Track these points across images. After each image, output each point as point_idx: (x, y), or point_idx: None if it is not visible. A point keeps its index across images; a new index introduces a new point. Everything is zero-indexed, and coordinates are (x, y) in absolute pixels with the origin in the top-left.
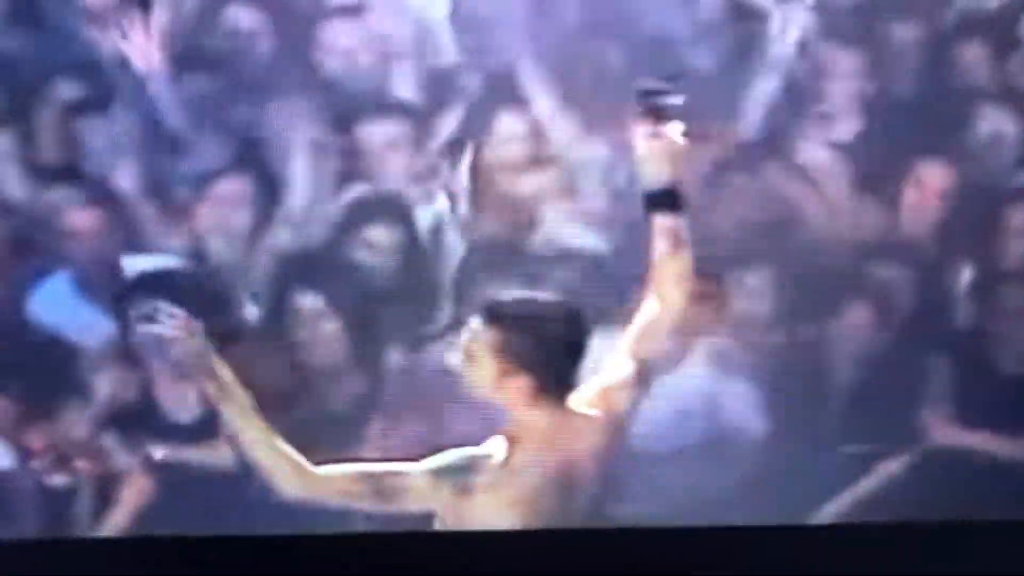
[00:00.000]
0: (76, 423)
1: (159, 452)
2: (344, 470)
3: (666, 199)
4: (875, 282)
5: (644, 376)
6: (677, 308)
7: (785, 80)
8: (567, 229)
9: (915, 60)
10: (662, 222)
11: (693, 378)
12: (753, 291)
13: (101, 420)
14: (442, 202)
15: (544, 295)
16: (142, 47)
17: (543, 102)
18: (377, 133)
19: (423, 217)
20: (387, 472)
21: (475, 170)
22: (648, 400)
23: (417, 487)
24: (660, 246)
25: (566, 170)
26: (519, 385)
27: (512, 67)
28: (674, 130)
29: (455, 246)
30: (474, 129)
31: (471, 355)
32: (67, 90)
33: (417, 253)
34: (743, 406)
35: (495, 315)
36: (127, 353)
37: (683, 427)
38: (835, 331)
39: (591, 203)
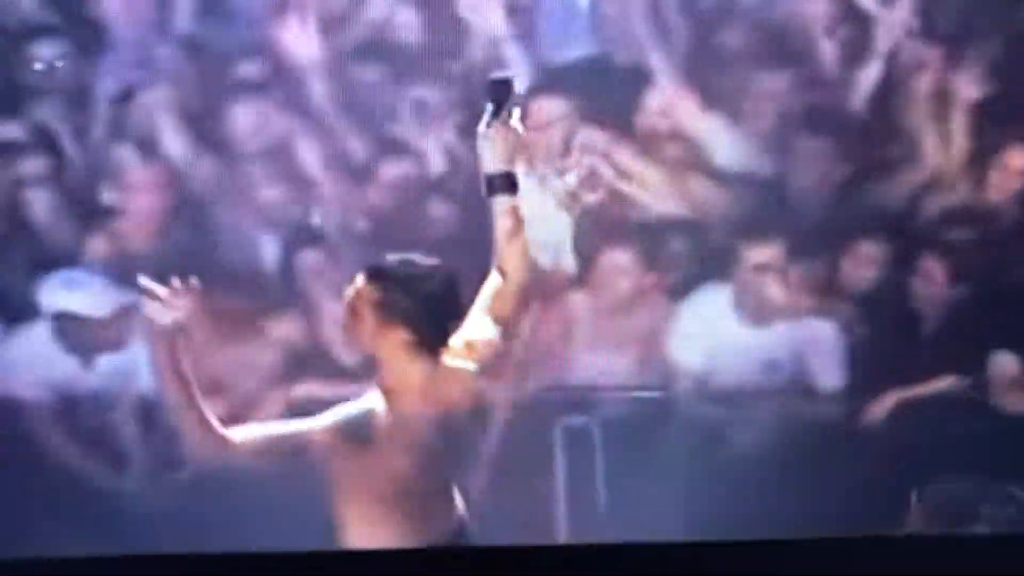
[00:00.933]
0: None
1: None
2: (253, 432)
3: (505, 182)
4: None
5: (509, 334)
6: (520, 278)
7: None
8: None
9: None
10: (503, 203)
11: (780, 333)
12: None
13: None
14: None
15: (424, 259)
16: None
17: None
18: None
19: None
20: (292, 431)
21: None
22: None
23: (321, 442)
24: (502, 225)
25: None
26: (396, 339)
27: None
28: (513, 118)
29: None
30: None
31: (353, 309)
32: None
33: None
34: (825, 358)
35: (376, 274)
36: None
37: (771, 375)
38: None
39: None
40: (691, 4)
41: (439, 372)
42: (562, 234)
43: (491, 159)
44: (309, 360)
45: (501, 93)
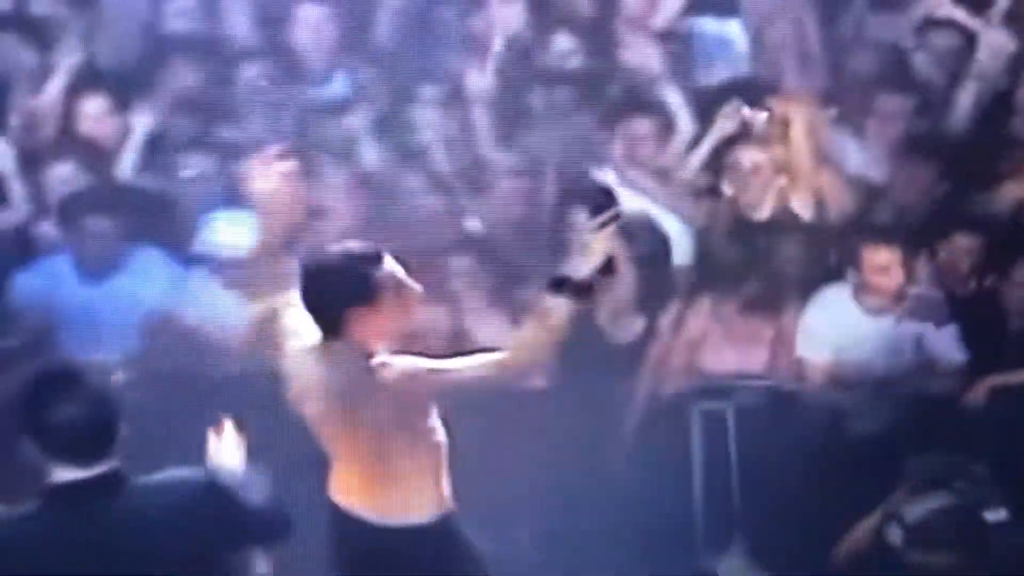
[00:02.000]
0: None
1: None
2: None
3: (577, 289)
4: None
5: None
6: (526, 359)
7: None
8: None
9: None
10: (556, 304)
11: (903, 321)
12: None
13: None
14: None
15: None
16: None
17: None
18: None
19: None
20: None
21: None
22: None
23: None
24: (532, 319)
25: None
26: None
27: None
28: (610, 235)
29: None
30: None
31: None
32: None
33: None
34: (945, 340)
35: None
36: None
37: (895, 359)
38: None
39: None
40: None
41: None
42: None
43: (578, 263)
44: None
45: (604, 201)
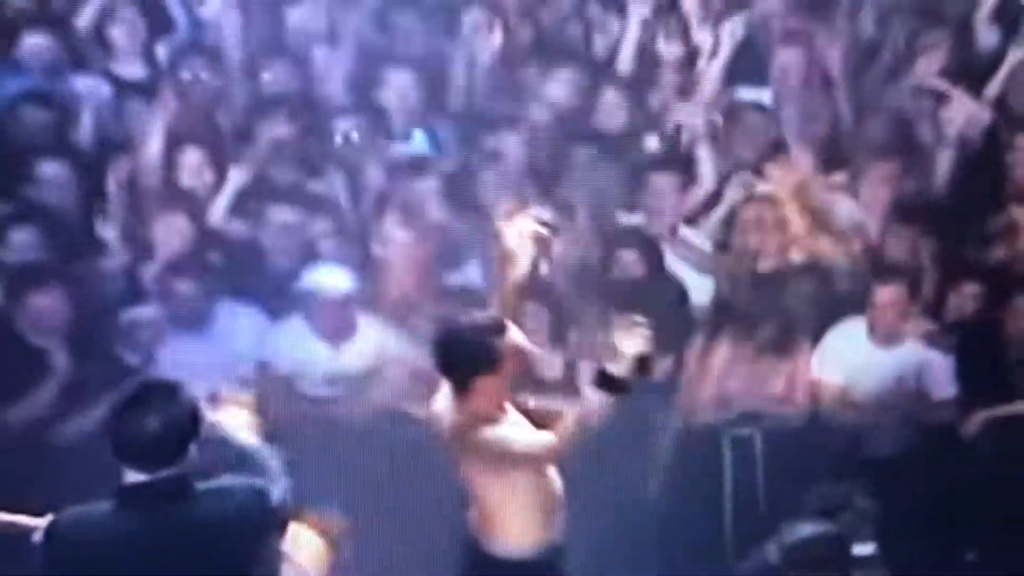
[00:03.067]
0: None
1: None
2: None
3: (616, 386)
4: None
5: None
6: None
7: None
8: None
9: None
10: (593, 398)
11: (908, 352)
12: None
13: None
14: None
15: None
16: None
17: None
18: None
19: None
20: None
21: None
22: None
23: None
24: (575, 412)
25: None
26: None
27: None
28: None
29: None
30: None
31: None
32: None
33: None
34: (940, 374)
35: None
36: None
37: (900, 386)
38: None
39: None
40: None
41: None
42: None
43: (616, 361)
44: None
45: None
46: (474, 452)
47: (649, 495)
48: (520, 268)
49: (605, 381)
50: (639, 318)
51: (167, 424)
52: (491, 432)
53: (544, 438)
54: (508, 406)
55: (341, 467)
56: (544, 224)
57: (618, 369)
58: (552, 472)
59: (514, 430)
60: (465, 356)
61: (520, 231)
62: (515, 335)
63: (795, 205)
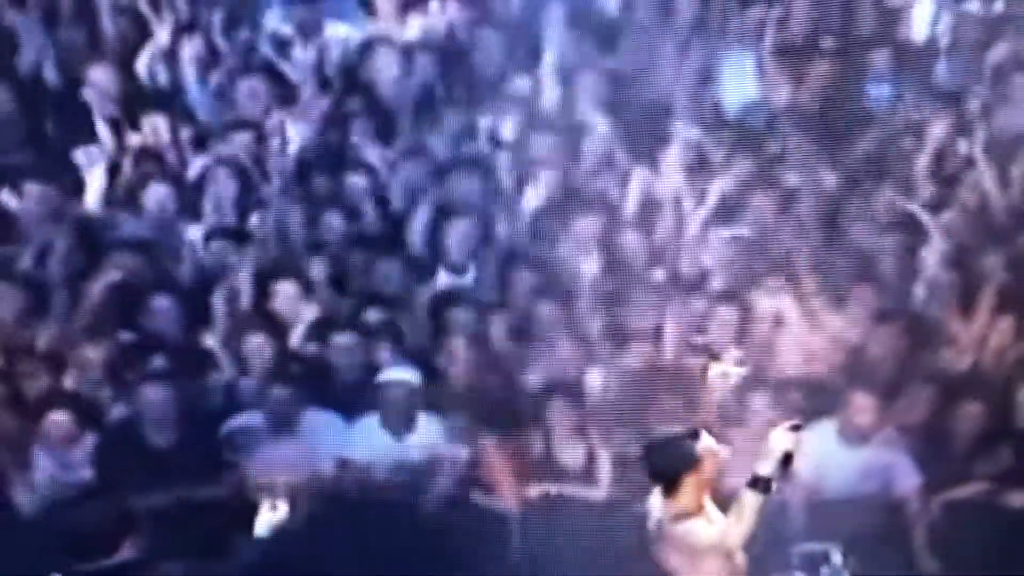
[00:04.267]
0: None
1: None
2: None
3: (764, 485)
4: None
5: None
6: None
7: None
8: None
9: None
10: (752, 496)
11: (874, 451)
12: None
13: None
14: None
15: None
16: None
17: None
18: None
19: None
20: None
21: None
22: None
23: None
24: (734, 508)
25: None
26: None
27: None
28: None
29: None
30: None
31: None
32: None
33: None
34: (903, 471)
35: None
36: None
37: (865, 481)
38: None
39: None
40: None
41: None
42: None
43: (764, 462)
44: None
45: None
46: (671, 543)
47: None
48: (717, 397)
49: (759, 482)
50: (796, 420)
51: None
52: (687, 526)
53: (728, 528)
54: (707, 501)
55: (408, 550)
56: (738, 364)
57: (766, 469)
58: (739, 557)
59: (704, 523)
60: (670, 460)
61: (724, 371)
62: (708, 440)
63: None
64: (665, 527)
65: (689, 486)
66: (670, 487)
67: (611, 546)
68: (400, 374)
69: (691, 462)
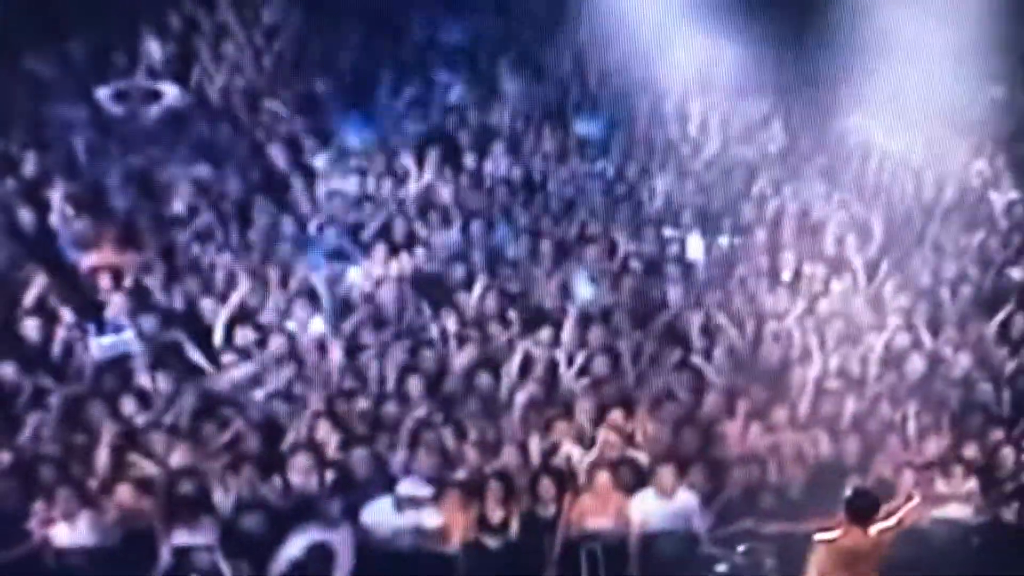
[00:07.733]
0: None
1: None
2: None
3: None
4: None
5: None
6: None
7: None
8: None
9: None
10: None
11: (683, 498)
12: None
13: None
14: None
15: None
16: None
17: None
18: None
19: None
20: None
21: None
22: (662, 511)
23: None
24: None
25: None
26: None
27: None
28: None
29: None
30: None
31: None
32: None
33: None
34: (698, 513)
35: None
36: None
37: (676, 521)
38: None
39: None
40: None
41: None
42: None
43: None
44: None
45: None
46: (863, 556)
47: None
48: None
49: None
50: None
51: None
52: (872, 539)
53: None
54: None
55: None
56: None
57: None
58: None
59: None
60: (875, 505)
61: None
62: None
63: None
64: (862, 546)
65: (873, 522)
66: (868, 522)
67: None
68: (413, 486)
69: (879, 507)
